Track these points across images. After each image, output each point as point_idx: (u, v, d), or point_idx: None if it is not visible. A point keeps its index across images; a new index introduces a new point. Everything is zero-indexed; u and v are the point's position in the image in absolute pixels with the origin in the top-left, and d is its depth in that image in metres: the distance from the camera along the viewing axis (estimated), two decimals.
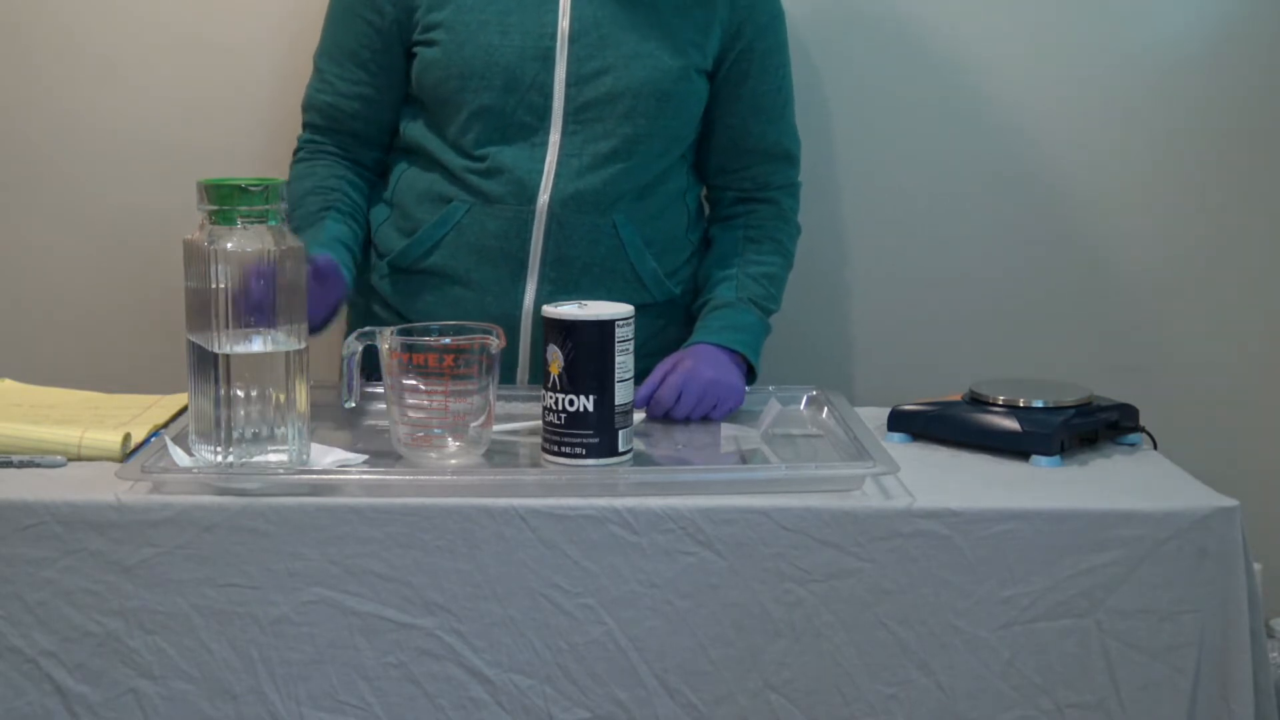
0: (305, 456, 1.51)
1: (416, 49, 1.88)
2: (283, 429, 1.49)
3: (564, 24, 1.84)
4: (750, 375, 1.88)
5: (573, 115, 1.84)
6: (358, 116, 1.93)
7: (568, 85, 1.84)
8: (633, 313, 1.56)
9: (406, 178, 1.93)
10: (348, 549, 1.43)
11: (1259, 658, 1.47)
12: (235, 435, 1.47)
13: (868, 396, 1.87)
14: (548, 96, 1.84)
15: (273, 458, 1.49)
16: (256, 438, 1.49)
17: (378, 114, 1.93)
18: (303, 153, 1.97)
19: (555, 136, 1.85)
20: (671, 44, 1.87)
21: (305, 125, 1.98)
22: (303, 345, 1.50)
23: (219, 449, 1.48)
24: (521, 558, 1.43)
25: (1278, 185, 2.27)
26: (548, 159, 1.85)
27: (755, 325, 1.91)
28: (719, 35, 1.91)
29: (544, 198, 1.85)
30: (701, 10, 1.89)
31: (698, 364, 1.78)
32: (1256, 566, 1.49)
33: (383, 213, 1.96)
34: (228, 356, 1.46)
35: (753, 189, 2.00)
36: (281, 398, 1.49)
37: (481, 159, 1.85)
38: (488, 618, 1.44)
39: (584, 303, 1.57)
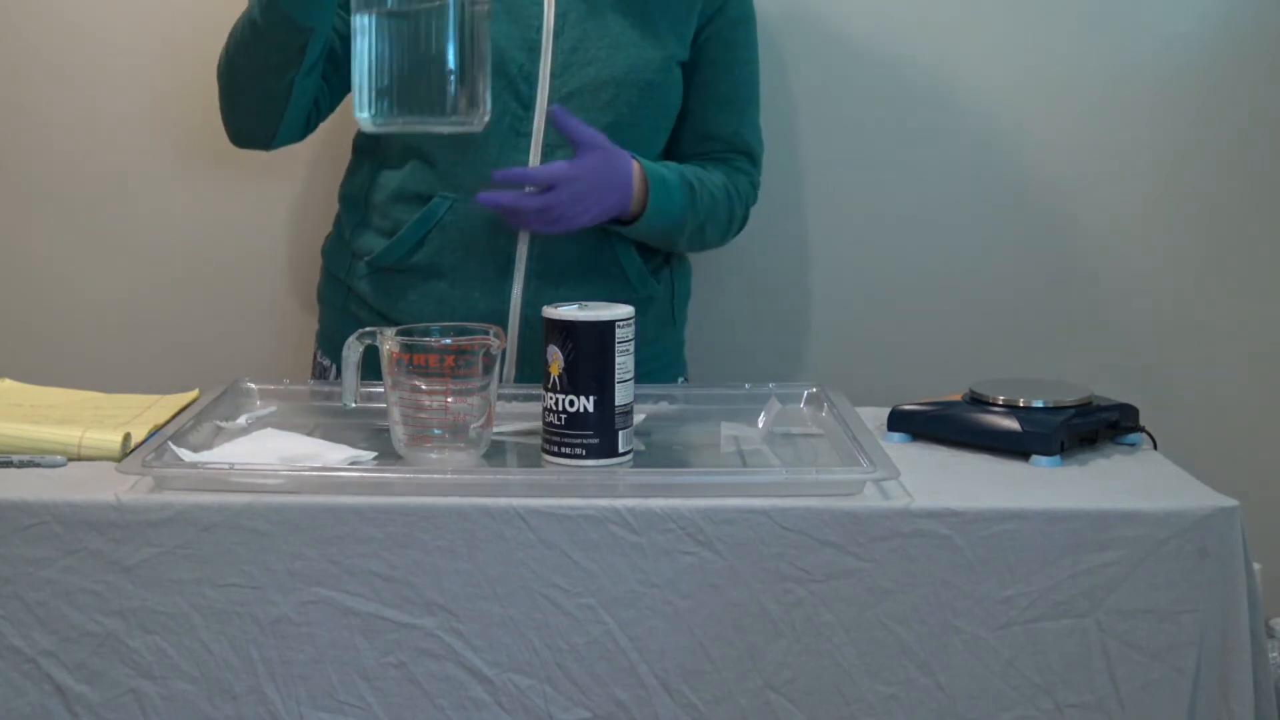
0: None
1: None
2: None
3: (549, 18, 1.84)
4: (640, 218, 1.85)
5: (557, 104, 1.85)
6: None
7: (553, 76, 1.84)
8: (633, 313, 1.56)
9: (379, 179, 1.92)
10: (348, 549, 1.43)
11: (1259, 658, 1.47)
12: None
13: (868, 396, 1.86)
14: (533, 86, 1.84)
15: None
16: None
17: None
18: None
19: (539, 128, 1.85)
20: (653, 34, 1.88)
21: None
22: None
23: None
24: (521, 558, 1.43)
25: (1277, 186, 2.27)
26: (532, 149, 1.85)
27: (676, 190, 1.87)
28: (695, 24, 1.92)
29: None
30: (681, 2, 1.90)
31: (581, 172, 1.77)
32: (1256, 566, 1.49)
33: (358, 215, 1.95)
34: None
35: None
36: None
37: (466, 147, 1.84)
38: (488, 618, 1.44)
39: (584, 304, 1.57)
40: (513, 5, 1.84)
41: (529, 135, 1.85)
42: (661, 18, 1.89)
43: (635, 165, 1.84)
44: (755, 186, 2.03)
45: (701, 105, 1.96)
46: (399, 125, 1.60)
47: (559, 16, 1.85)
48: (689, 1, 1.91)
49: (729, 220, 1.98)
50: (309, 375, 2.08)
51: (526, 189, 1.78)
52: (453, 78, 1.56)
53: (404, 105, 1.57)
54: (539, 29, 1.84)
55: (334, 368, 2.00)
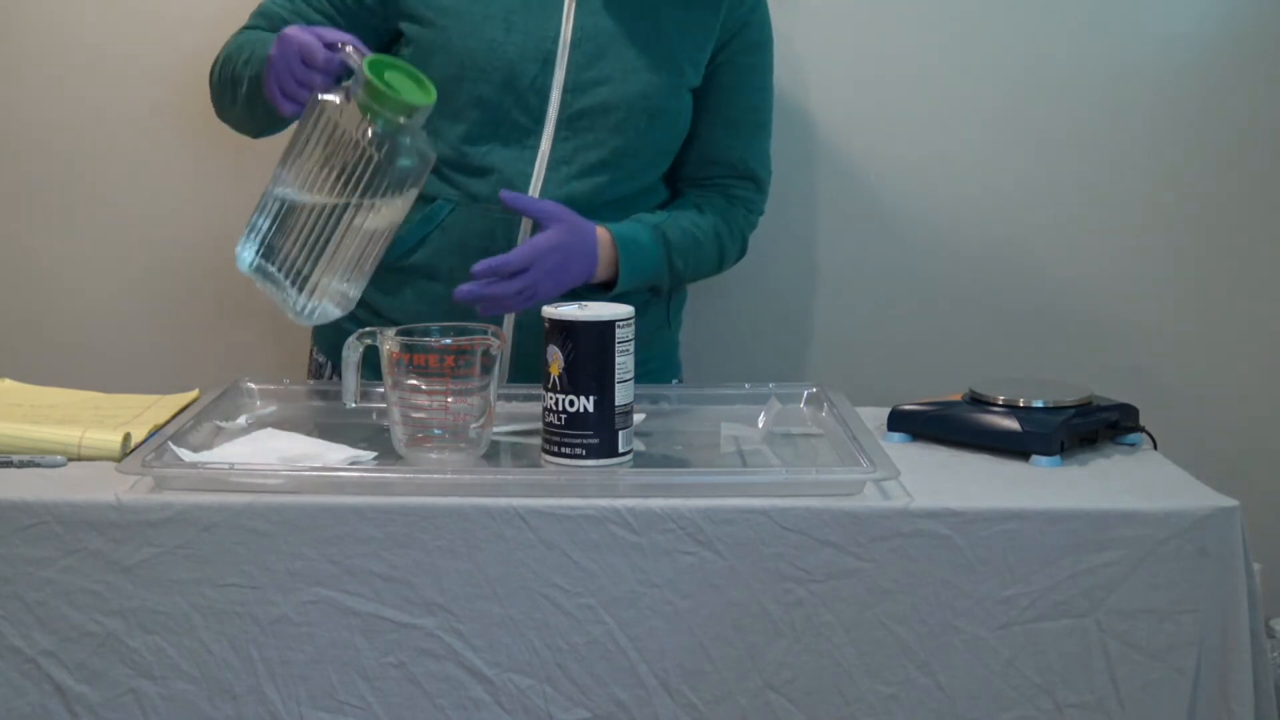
0: (305, 308, 1.62)
1: (407, 26, 1.85)
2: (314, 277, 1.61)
3: (566, 31, 1.84)
4: (611, 285, 1.85)
5: (566, 122, 1.84)
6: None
7: (565, 91, 1.84)
8: (633, 313, 1.56)
9: None
10: (348, 549, 1.43)
11: (1259, 658, 1.47)
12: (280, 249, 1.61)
13: (868, 396, 1.86)
14: (544, 99, 1.84)
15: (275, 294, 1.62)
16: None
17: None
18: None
19: (547, 142, 1.85)
20: (669, 61, 1.87)
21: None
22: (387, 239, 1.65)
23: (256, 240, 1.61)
24: (521, 558, 1.43)
25: (1277, 186, 2.27)
26: (537, 162, 1.84)
27: (650, 249, 1.87)
28: (711, 49, 1.91)
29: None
30: (700, 29, 1.89)
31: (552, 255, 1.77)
32: (1256, 566, 1.49)
33: None
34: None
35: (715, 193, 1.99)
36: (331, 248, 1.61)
37: (470, 155, 1.85)
38: (488, 618, 1.44)
39: (584, 304, 1.57)
40: (529, 16, 1.84)
41: (535, 149, 1.85)
42: (679, 44, 1.88)
43: (602, 233, 1.83)
44: (755, 213, 2.02)
45: (709, 128, 1.95)
46: (259, 280, 1.64)
47: (577, 28, 1.84)
48: (706, 28, 1.90)
49: (719, 259, 1.98)
50: (305, 373, 2.08)
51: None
52: (323, 274, 1.62)
53: (277, 268, 1.62)
54: (555, 39, 1.83)
55: (329, 364, 2.00)
